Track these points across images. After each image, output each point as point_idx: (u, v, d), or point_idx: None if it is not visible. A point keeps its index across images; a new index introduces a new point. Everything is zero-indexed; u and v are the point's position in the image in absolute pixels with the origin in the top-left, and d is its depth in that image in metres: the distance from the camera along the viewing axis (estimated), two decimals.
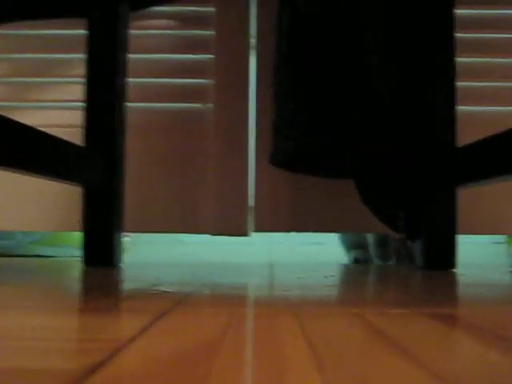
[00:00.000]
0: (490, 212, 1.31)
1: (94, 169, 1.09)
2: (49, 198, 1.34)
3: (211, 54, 1.34)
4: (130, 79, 1.32)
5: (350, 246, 1.48)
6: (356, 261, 1.42)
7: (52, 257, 1.52)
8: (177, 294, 0.61)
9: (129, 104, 1.31)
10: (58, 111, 1.36)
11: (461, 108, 1.14)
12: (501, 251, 2.40)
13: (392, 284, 0.80)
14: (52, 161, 0.93)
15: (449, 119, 1.09)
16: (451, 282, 0.87)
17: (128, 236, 2.53)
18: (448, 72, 1.09)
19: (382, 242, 1.33)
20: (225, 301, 0.57)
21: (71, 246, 1.55)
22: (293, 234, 1.34)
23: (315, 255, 1.94)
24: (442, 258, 1.09)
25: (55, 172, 0.94)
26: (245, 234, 1.30)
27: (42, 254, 1.57)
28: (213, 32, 1.33)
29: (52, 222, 1.34)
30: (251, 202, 1.31)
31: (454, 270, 1.06)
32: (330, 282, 0.83)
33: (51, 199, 1.34)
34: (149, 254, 1.91)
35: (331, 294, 0.65)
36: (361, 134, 1.07)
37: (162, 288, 0.68)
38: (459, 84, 1.13)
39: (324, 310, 0.51)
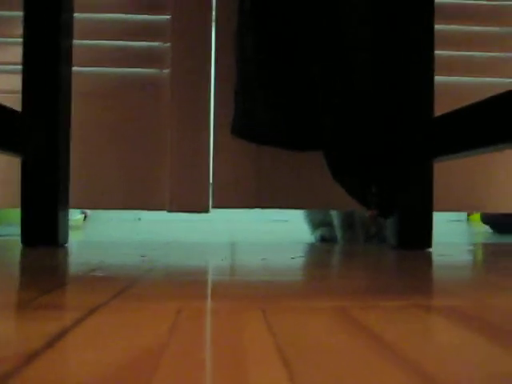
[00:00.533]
0: (465, 188, 1.24)
1: (34, 137, 0.97)
2: None
3: (168, 14, 1.22)
4: (77, 41, 1.19)
5: (315, 223, 1.40)
6: (322, 239, 1.34)
7: None
8: (119, 282, 0.51)
9: (76, 68, 1.18)
10: None
11: (438, 78, 1.05)
12: (461, 229, 2.37)
13: (370, 268, 0.72)
14: None
15: (426, 88, 1.01)
16: (433, 264, 0.79)
17: (84, 213, 2.41)
18: (426, 39, 1.01)
19: (349, 223, 1.25)
20: (175, 291, 0.47)
21: (16, 224, 1.42)
22: (255, 211, 1.25)
23: (278, 233, 1.85)
24: (418, 236, 1.01)
25: None
26: (206, 211, 1.20)
27: None
28: None
29: None
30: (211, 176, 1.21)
31: (430, 250, 0.99)
32: (299, 264, 0.74)
33: None
34: (103, 232, 1.79)
35: (303, 282, 0.56)
36: (331, 101, 0.98)
37: (104, 273, 0.58)
38: (437, 53, 1.04)
39: (298, 303, 0.42)
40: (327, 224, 1.38)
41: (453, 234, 1.94)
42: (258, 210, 1.25)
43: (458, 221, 3.26)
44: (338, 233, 1.27)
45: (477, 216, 2.73)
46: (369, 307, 0.40)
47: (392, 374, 0.22)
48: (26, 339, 0.28)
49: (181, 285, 0.51)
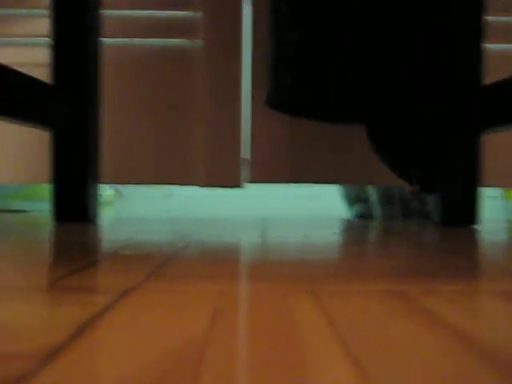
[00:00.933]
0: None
1: (63, 110, 0.94)
2: (16, 147, 1.19)
3: None
4: (106, 11, 1.15)
5: (351, 199, 1.35)
6: (359, 215, 1.30)
7: (26, 211, 1.39)
8: (152, 260, 0.48)
9: (105, 39, 1.15)
10: (26, 48, 1.20)
11: (489, 45, 0.99)
12: (498, 206, 2.29)
13: (417, 247, 0.67)
14: (9, 97, 0.78)
15: (474, 55, 0.94)
16: (482, 242, 0.74)
17: (115, 189, 2.40)
18: (475, 6, 0.94)
19: (388, 200, 1.20)
20: (213, 270, 0.44)
21: (46, 200, 1.41)
22: (286, 187, 1.21)
23: (312, 209, 1.81)
24: (463, 213, 0.95)
25: (14, 111, 0.79)
26: (238, 186, 1.16)
27: (14, 208, 1.43)
28: None
29: (21, 174, 1.20)
30: (245, 150, 1.17)
31: (476, 227, 0.93)
32: (341, 242, 0.70)
33: (18, 148, 1.19)
34: (134, 208, 1.78)
35: (349, 261, 0.52)
36: (374, 70, 0.93)
37: (135, 251, 0.55)
38: (488, 18, 0.98)
39: (349, 285, 0.38)
40: (364, 200, 1.33)
41: (491, 210, 1.87)
42: (289, 186, 1.21)
43: (493, 197, 3.16)
44: (377, 209, 1.23)
45: None
46: (428, 291, 0.36)
47: (477, 371, 0.18)
48: (48, 329, 0.25)
49: (218, 264, 0.47)
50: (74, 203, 0.96)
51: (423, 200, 1.13)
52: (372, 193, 1.26)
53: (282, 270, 0.44)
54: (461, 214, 0.96)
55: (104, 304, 0.30)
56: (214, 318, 0.27)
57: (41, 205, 1.45)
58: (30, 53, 1.19)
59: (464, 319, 0.28)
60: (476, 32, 0.95)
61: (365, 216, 1.29)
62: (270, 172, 1.16)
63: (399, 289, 0.36)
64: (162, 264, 0.45)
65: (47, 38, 1.13)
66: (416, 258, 0.54)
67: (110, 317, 0.28)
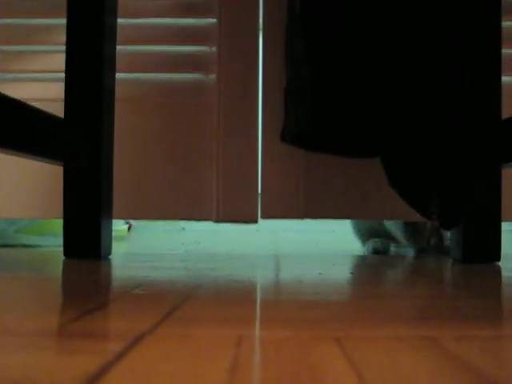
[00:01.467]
0: None
1: (76, 145, 0.94)
2: (29, 182, 1.18)
3: (214, 17, 1.17)
4: (121, 46, 1.15)
5: (366, 234, 1.33)
6: (375, 251, 1.27)
7: (38, 246, 1.37)
8: (166, 301, 0.46)
9: (120, 74, 1.15)
10: (41, 83, 1.20)
11: (506, 78, 0.97)
12: None
13: (441, 286, 0.65)
14: (23, 132, 0.77)
15: (493, 88, 0.93)
16: (508, 282, 0.71)
17: (128, 223, 2.39)
18: (493, 38, 0.93)
19: (413, 236, 1.16)
20: (229, 313, 0.42)
21: (58, 235, 1.40)
22: (299, 221, 1.19)
23: (327, 244, 1.78)
24: (485, 248, 0.93)
25: (27, 146, 0.78)
26: (254, 221, 1.14)
27: (26, 243, 1.42)
28: None
29: (34, 209, 1.19)
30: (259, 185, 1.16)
31: (498, 264, 0.91)
32: (360, 280, 0.68)
33: (32, 183, 1.18)
34: (147, 242, 1.76)
35: (372, 302, 0.49)
36: (392, 103, 0.91)
37: (149, 290, 0.53)
38: (505, 51, 0.96)
39: (376, 330, 0.35)
40: (379, 235, 1.30)
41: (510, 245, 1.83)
42: (303, 221, 1.19)
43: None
44: (403, 239, 1.20)
45: None
46: (460, 337, 0.33)
47: None
48: (54, 382, 0.23)
49: (234, 305, 0.45)
50: (86, 239, 0.94)
51: (442, 236, 1.10)
52: (394, 228, 1.23)
53: (303, 313, 0.41)
54: (482, 250, 0.93)
55: (115, 352, 0.28)
56: (233, 370, 0.25)
57: (53, 240, 1.43)
58: (45, 88, 1.20)
59: (501, 370, 0.26)
60: (493, 65, 0.93)
61: (380, 251, 1.26)
62: (282, 207, 1.14)
63: (429, 334, 0.34)
64: (177, 305, 0.43)
65: (62, 73, 1.14)
66: (441, 298, 0.52)
67: (121, 368, 0.26)
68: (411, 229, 1.16)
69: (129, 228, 2.34)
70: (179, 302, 0.45)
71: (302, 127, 0.99)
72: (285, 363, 0.27)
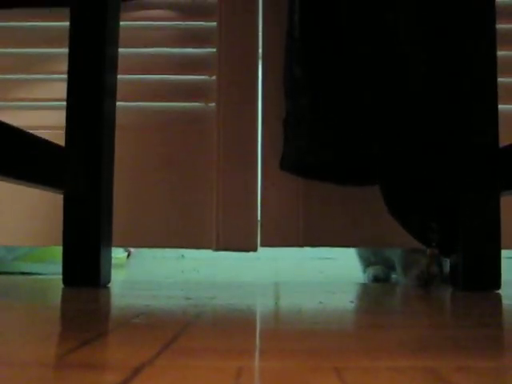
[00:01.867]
0: None
1: (77, 173, 0.94)
2: (28, 209, 1.18)
3: (214, 47, 1.19)
4: (122, 76, 1.17)
5: (367, 261, 1.32)
6: (375, 279, 1.26)
7: (36, 274, 1.37)
8: (165, 331, 0.46)
9: (121, 103, 1.16)
10: (42, 111, 1.21)
11: (502, 106, 0.98)
12: None
13: (441, 315, 0.65)
14: (23, 161, 0.78)
15: (490, 117, 0.94)
16: (509, 310, 0.71)
17: (127, 251, 2.38)
18: (488, 66, 0.94)
19: (413, 264, 1.15)
20: (229, 344, 0.41)
21: (58, 262, 1.39)
22: (299, 248, 1.18)
23: (327, 271, 1.78)
24: (485, 276, 0.92)
25: (27, 174, 0.79)
26: (254, 250, 1.14)
27: (25, 270, 1.41)
28: (215, 22, 1.18)
29: (34, 236, 1.19)
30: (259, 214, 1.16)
31: (498, 292, 0.90)
32: (360, 309, 0.67)
33: (31, 210, 1.18)
34: (146, 270, 1.75)
35: (372, 332, 0.49)
36: (389, 133, 0.92)
37: (148, 320, 0.52)
38: (501, 80, 0.98)
39: (376, 361, 0.35)
40: (380, 262, 1.30)
41: (510, 273, 1.82)
42: (303, 248, 1.18)
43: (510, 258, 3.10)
44: (400, 273, 1.19)
45: None
46: (460, 368, 0.33)
47: None
48: None
49: (234, 335, 0.45)
50: (85, 267, 0.94)
51: (441, 264, 1.10)
52: (393, 256, 1.23)
53: (302, 344, 0.41)
54: (482, 277, 0.93)
55: None
56: None
57: (52, 267, 1.43)
58: (46, 116, 1.20)
59: None
60: (490, 94, 0.94)
61: (380, 279, 1.26)
62: (281, 235, 1.14)
63: (429, 365, 0.34)
64: (176, 335, 0.43)
65: (63, 102, 1.15)
66: (442, 327, 0.52)
67: None
68: (409, 257, 1.16)
69: (128, 255, 2.33)
70: (178, 332, 0.45)
71: (300, 156, 0.99)
72: None
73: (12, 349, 0.39)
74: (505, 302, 0.79)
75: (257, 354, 0.37)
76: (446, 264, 1.06)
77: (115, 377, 0.30)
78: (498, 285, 0.92)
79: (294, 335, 0.45)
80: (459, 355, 0.37)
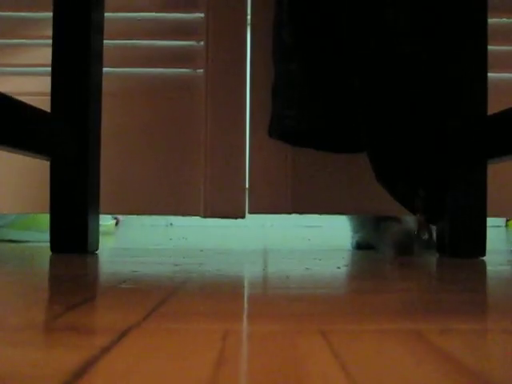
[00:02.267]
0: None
1: (63, 139, 0.93)
2: (16, 176, 1.17)
3: (202, 11, 1.17)
4: (109, 41, 1.15)
5: (355, 228, 1.33)
6: (358, 246, 1.26)
7: (24, 241, 1.37)
8: (152, 296, 0.46)
9: (107, 69, 1.14)
10: (27, 77, 1.19)
11: (492, 74, 0.98)
12: (502, 236, 2.27)
13: (427, 280, 0.65)
14: (9, 126, 0.77)
15: (478, 85, 0.93)
16: (493, 276, 0.72)
17: (116, 218, 2.38)
18: (480, 34, 0.94)
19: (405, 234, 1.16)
20: (216, 308, 0.42)
21: (46, 230, 1.39)
22: (288, 217, 1.19)
23: (314, 239, 1.79)
24: (471, 243, 0.93)
25: (14, 140, 0.78)
26: (242, 216, 1.14)
27: (13, 238, 1.41)
28: None
29: (21, 203, 1.18)
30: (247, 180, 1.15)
31: (483, 259, 0.91)
32: (346, 275, 0.68)
33: (18, 177, 1.17)
34: (135, 238, 1.76)
35: (358, 296, 0.50)
36: (378, 97, 0.92)
37: (135, 285, 0.53)
38: (491, 48, 0.97)
39: (361, 324, 0.36)
40: (365, 230, 1.30)
41: (496, 241, 1.84)
42: (291, 216, 1.19)
43: (497, 226, 3.13)
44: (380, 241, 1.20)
45: None
46: (444, 331, 0.34)
47: None
48: (38, 378, 0.23)
49: (221, 300, 0.45)
50: (73, 234, 0.94)
51: (430, 230, 1.10)
52: (370, 224, 1.23)
53: (289, 308, 0.42)
54: (468, 244, 0.94)
55: (101, 347, 0.28)
56: (219, 364, 0.25)
57: (40, 235, 1.42)
58: (31, 82, 1.19)
59: (481, 362, 0.26)
60: (479, 62, 0.94)
61: (363, 247, 1.26)
62: (269, 202, 1.14)
63: (413, 328, 0.34)
64: (163, 300, 0.44)
65: (49, 68, 1.13)
66: (427, 292, 0.52)
67: (107, 363, 0.26)
68: (383, 225, 1.17)
69: (116, 223, 2.33)
70: (166, 297, 0.45)
71: (289, 122, 0.99)
72: (270, 356, 0.27)
73: (1, 313, 0.39)
74: (489, 268, 0.80)
75: (244, 317, 0.38)
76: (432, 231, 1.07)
77: (103, 339, 0.30)
78: (483, 252, 0.93)
79: (281, 300, 0.45)
80: (443, 318, 0.38)
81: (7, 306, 0.42)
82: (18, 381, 0.22)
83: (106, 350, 0.27)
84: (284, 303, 0.43)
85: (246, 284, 0.58)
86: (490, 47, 0.97)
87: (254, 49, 1.14)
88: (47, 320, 0.35)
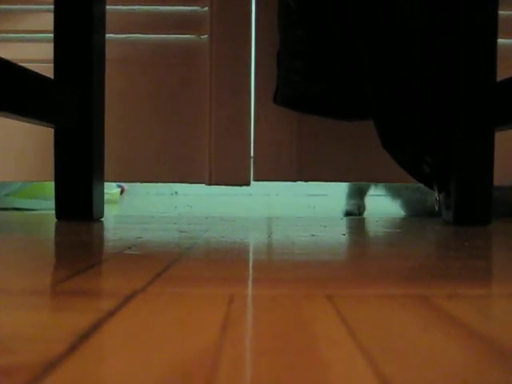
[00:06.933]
0: None
1: (67, 106, 0.92)
2: (20, 144, 1.17)
3: None
4: (110, 6, 1.13)
5: (348, 196, 1.32)
6: (347, 214, 1.25)
7: (30, 209, 1.37)
8: (157, 261, 0.46)
9: (110, 35, 1.13)
10: (30, 43, 1.18)
11: (502, 40, 0.96)
12: None
13: (438, 247, 0.65)
14: (13, 94, 0.76)
15: (488, 50, 0.92)
16: (500, 243, 0.72)
17: (121, 187, 2.38)
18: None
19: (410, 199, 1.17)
20: (221, 272, 0.42)
21: (51, 198, 1.39)
22: (292, 185, 1.18)
23: (319, 207, 1.79)
24: (477, 212, 0.93)
25: (17, 108, 0.77)
26: (247, 184, 1.14)
27: (18, 206, 1.41)
28: None
29: (25, 172, 1.18)
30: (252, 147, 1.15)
31: (489, 226, 0.91)
32: (352, 241, 0.68)
33: (23, 145, 1.17)
34: (140, 206, 1.76)
35: (364, 262, 0.49)
36: (384, 63, 0.90)
37: (140, 251, 0.53)
38: (502, 13, 0.95)
39: (367, 289, 0.36)
40: (360, 196, 1.30)
41: None
42: (295, 184, 1.18)
43: None
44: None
45: None
46: (450, 296, 0.34)
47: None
48: (47, 338, 0.23)
49: (227, 265, 0.45)
50: (78, 201, 0.94)
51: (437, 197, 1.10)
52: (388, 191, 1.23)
53: (295, 273, 0.41)
54: (474, 213, 0.93)
55: (108, 310, 0.28)
56: (225, 326, 0.25)
57: (45, 203, 1.43)
58: (35, 48, 1.17)
59: (488, 326, 0.26)
60: (489, 27, 0.92)
61: (353, 214, 1.25)
62: (274, 169, 1.14)
63: (420, 293, 0.34)
64: (169, 265, 0.43)
65: (51, 34, 1.11)
66: (432, 258, 0.52)
67: (113, 325, 0.26)
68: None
69: (121, 192, 2.33)
70: (171, 262, 0.45)
71: (295, 89, 0.98)
72: (276, 319, 0.27)
73: (8, 278, 0.39)
74: (494, 236, 0.79)
75: (250, 282, 0.38)
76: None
77: (109, 303, 0.30)
78: (488, 220, 0.92)
79: (287, 265, 0.45)
80: (450, 284, 0.38)
81: (14, 271, 0.42)
82: (25, 342, 0.22)
83: (111, 314, 0.27)
84: (290, 268, 0.43)
85: (251, 250, 0.58)
86: (500, 12, 0.95)
87: (259, 14, 1.12)
88: (54, 284, 0.35)
